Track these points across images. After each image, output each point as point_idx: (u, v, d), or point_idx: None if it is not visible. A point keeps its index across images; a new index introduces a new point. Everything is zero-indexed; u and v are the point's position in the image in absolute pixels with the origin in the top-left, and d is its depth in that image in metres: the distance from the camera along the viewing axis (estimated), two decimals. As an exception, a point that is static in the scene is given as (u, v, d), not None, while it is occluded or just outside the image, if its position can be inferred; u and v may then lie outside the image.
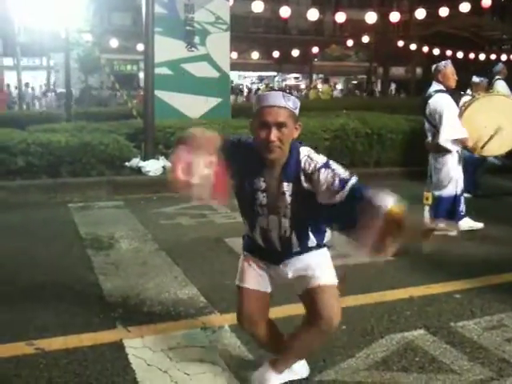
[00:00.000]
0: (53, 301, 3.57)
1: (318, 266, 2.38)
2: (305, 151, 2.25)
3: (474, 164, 6.60)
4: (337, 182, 2.11)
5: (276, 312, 2.79)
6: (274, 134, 2.13)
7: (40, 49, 24.95)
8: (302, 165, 2.21)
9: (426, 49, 24.30)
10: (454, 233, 5.33)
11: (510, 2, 26.31)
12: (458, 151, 5.24)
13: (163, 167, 7.44)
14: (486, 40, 27.54)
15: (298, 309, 2.67)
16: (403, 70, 31.90)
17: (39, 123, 8.23)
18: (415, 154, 8.04)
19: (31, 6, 15.77)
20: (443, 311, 3.50)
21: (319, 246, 2.41)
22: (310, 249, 2.39)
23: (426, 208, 5.29)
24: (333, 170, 2.15)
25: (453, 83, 5.28)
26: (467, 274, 4.14)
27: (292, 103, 2.17)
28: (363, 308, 3.51)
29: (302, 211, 2.26)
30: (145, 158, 7.38)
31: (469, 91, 6.52)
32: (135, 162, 7.35)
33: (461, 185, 5.36)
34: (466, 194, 6.44)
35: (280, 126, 2.14)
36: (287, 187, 2.23)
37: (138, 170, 7.30)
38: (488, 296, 3.73)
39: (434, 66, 5.31)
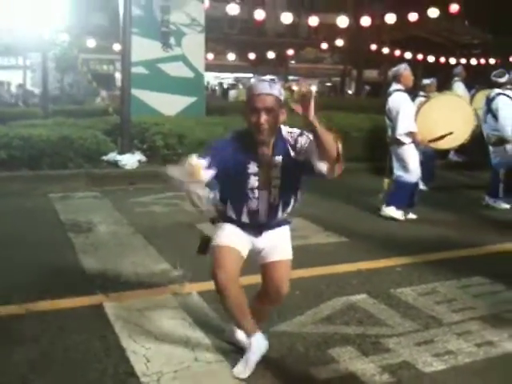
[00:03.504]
0: (37, 274, 3.97)
1: (283, 241, 2.76)
2: (285, 129, 2.65)
3: (428, 158, 7.16)
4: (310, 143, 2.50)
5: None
6: (264, 118, 2.49)
7: (16, 48, 24.94)
8: (287, 139, 2.60)
9: (398, 52, 24.99)
10: (401, 218, 5.90)
11: (482, 7, 27.17)
12: (412, 143, 5.78)
13: (138, 161, 7.85)
14: (457, 44, 28.38)
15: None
16: (376, 73, 32.65)
17: (16, 120, 8.53)
18: (378, 151, 8.57)
19: (7, 6, 15.92)
20: (385, 281, 4.00)
21: (287, 220, 2.80)
22: (283, 222, 2.76)
23: (383, 193, 5.86)
24: (307, 135, 2.54)
25: (411, 83, 5.91)
26: (409, 251, 4.66)
27: (277, 91, 2.52)
28: (315, 278, 3.99)
29: (289, 182, 2.64)
30: (121, 152, 7.76)
31: (421, 93, 7.07)
32: (112, 155, 7.74)
33: (419, 174, 5.89)
34: (422, 187, 7.01)
35: (268, 110, 2.49)
36: (278, 160, 2.59)
37: (114, 164, 7.68)
38: (426, 269, 4.26)
39: (394, 69, 5.87)
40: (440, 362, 2.84)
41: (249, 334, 2.71)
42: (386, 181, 5.86)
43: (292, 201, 2.74)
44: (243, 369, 2.66)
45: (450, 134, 5.77)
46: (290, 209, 2.76)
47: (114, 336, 3.01)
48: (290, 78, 33.28)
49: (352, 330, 3.16)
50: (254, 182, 2.61)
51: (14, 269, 4.06)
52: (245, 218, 2.69)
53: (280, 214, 2.72)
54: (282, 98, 2.56)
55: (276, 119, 2.54)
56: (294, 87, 26.60)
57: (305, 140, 2.56)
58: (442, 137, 5.81)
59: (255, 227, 2.71)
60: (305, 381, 2.67)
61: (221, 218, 2.75)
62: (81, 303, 3.44)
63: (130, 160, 7.69)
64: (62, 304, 3.41)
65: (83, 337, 2.99)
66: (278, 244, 2.73)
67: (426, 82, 7.27)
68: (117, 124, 8.22)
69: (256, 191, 2.62)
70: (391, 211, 5.81)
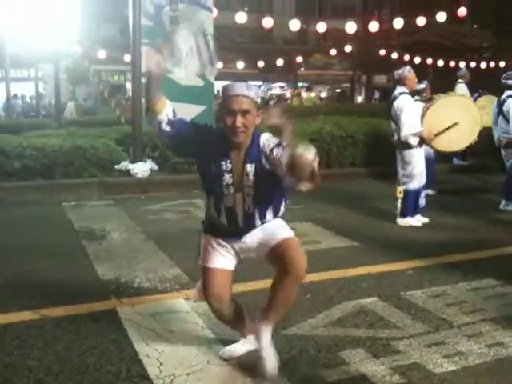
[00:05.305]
0: (52, 280, 4.05)
1: (276, 228, 2.63)
2: (265, 136, 2.55)
3: (429, 162, 7.17)
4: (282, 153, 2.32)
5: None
6: (240, 120, 2.43)
7: (28, 60, 25.26)
8: (261, 147, 2.51)
9: (407, 57, 24.97)
10: (418, 223, 5.91)
11: (490, 10, 27.17)
12: (420, 147, 5.80)
13: (150, 169, 7.94)
14: (467, 48, 28.33)
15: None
16: (385, 79, 32.64)
17: (29, 131, 8.68)
18: (387, 155, 8.59)
19: (20, 18, 16.19)
20: (396, 283, 4.02)
21: (276, 217, 2.70)
22: (269, 221, 2.66)
23: (399, 201, 5.83)
24: (283, 147, 2.36)
25: (415, 86, 5.98)
26: (419, 254, 4.69)
27: (254, 93, 2.48)
28: (326, 282, 4.03)
29: (263, 189, 2.54)
30: (133, 161, 7.85)
31: (416, 97, 7.01)
32: (124, 164, 7.83)
33: (424, 179, 5.90)
34: (430, 192, 6.99)
35: (244, 113, 2.44)
36: (250, 168, 2.52)
37: (126, 172, 7.77)
38: (436, 272, 4.27)
39: (398, 72, 5.90)
40: (450, 363, 2.85)
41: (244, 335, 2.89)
42: (399, 188, 5.82)
43: (270, 208, 2.64)
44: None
45: (455, 124, 5.78)
46: (269, 217, 2.65)
47: (127, 340, 3.06)
48: (300, 84, 33.39)
49: (362, 333, 3.18)
50: (228, 178, 2.55)
51: (29, 275, 4.14)
52: (223, 219, 2.63)
53: (257, 221, 2.63)
54: (259, 100, 2.53)
55: (252, 122, 2.49)
56: (303, 94, 26.40)
57: (278, 151, 2.40)
58: (448, 128, 5.80)
59: (234, 232, 2.65)
60: (316, 383, 2.70)
61: (206, 216, 2.75)
62: (95, 308, 3.50)
63: (142, 168, 7.78)
64: (76, 309, 3.47)
65: (97, 341, 3.04)
66: (271, 231, 2.61)
67: (421, 86, 7.23)
68: (128, 133, 8.32)
69: (231, 188, 2.55)
70: (408, 221, 5.81)
